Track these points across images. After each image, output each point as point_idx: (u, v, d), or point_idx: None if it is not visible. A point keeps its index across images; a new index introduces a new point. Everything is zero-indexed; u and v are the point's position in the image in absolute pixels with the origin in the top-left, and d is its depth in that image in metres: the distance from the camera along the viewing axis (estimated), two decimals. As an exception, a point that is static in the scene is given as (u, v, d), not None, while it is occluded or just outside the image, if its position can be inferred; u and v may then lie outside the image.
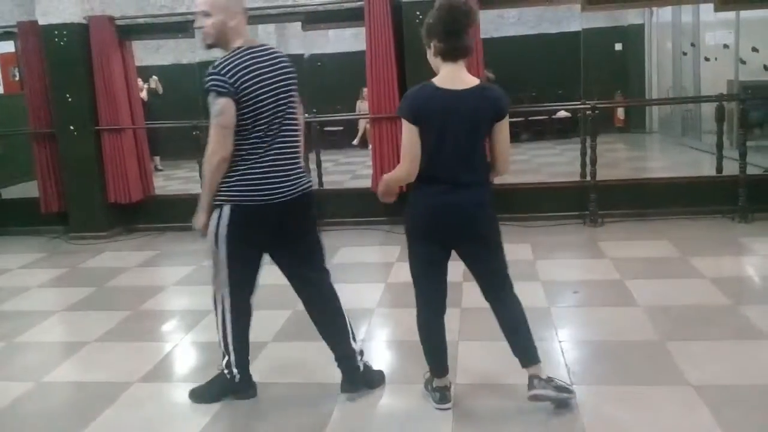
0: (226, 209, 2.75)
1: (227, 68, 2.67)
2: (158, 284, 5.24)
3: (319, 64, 13.26)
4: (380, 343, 3.84)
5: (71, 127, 6.44)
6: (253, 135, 2.72)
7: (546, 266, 4.88)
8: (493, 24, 11.25)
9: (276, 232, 2.84)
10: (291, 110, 2.84)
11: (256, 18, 6.49)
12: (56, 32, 6.31)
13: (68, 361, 3.74)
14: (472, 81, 2.59)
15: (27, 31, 6.45)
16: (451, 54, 2.55)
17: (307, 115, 11.22)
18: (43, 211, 6.72)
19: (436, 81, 2.58)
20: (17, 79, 11.75)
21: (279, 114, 2.78)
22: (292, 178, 2.82)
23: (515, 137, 11.54)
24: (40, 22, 6.34)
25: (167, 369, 3.65)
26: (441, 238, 2.68)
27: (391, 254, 5.36)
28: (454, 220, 2.64)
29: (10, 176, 8.14)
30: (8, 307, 4.70)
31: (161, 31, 6.72)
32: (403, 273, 4.90)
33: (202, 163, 3.00)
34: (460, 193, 2.61)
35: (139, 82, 10.53)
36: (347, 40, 12.35)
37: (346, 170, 10.21)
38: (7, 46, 10.79)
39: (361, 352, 3.10)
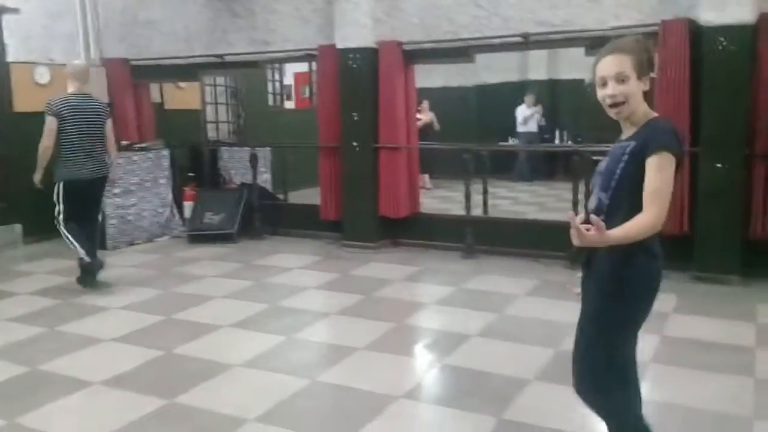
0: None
1: (55, 101, 5.45)
2: (421, 300, 5.40)
3: (589, 90, 12.79)
4: (658, 406, 3.27)
5: (354, 144, 6.94)
6: (66, 140, 5.41)
7: None
8: None
9: (84, 194, 5.53)
10: (94, 129, 5.51)
11: (536, 44, 6.42)
12: (350, 56, 6.85)
13: (340, 364, 3.98)
14: None
15: (325, 53, 7.09)
16: None
17: (570, 143, 10.92)
18: (322, 217, 7.33)
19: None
20: (307, 96, 13.10)
21: (84, 130, 5.46)
22: (89, 166, 5.48)
23: None
24: (338, 46, 6.92)
25: (429, 389, 3.70)
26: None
27: (667, 303, 4.86)
28: None
29: (296, 182, 9.03)
30: (289, 304, 5.17)
31: (443, 56, 6.93)
32: (680, 327, 4.48)
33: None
34: None
35: (425, 103, 11.10)
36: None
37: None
38: (301, 67, 12.10)
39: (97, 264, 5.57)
